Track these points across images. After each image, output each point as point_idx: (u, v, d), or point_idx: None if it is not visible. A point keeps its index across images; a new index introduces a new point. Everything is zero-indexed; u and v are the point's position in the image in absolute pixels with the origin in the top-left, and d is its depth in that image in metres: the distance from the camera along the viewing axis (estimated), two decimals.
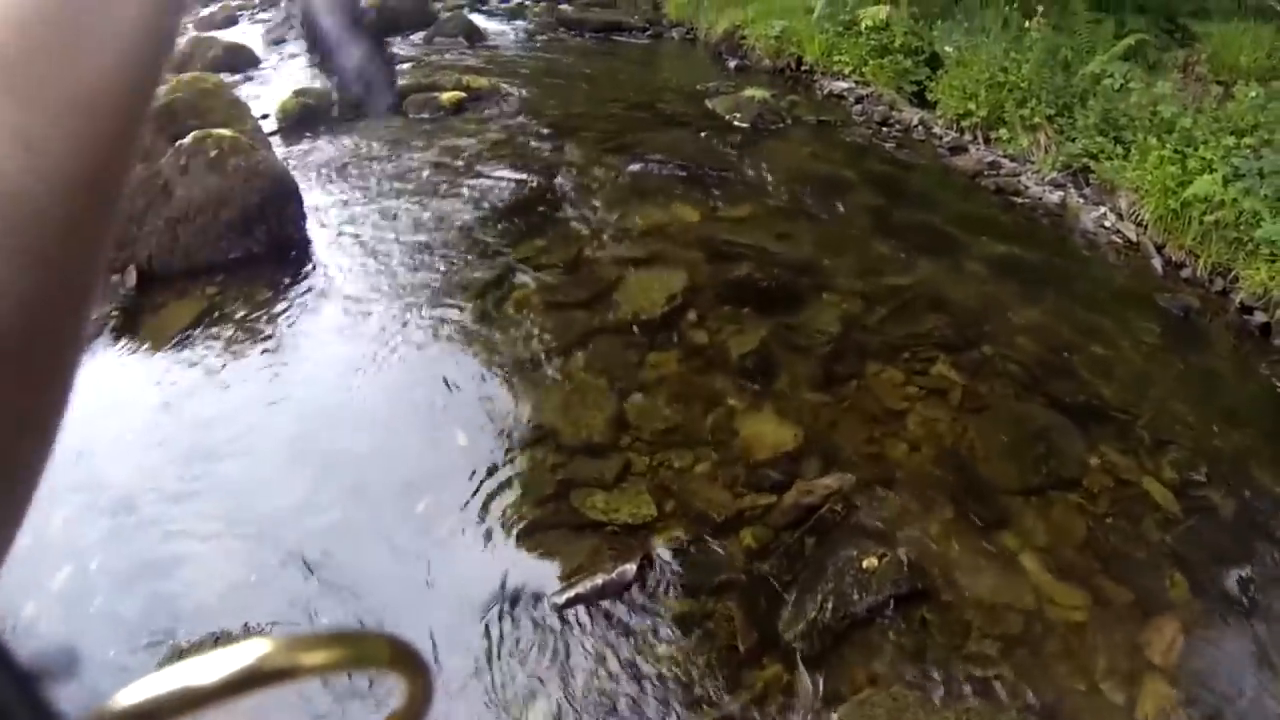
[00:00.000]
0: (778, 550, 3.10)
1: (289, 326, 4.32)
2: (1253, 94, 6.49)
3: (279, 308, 4.46)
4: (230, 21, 10.49)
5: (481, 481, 3.33)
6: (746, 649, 2.81)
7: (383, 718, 0.38)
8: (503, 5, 12.53)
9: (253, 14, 10.95)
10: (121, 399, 3.87)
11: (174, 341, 4.24)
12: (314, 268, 4.83)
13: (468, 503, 3.24)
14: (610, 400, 3.71)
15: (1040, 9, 7.60)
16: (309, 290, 4.61)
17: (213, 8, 11.07)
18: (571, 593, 2.88)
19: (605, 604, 2.89)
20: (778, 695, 2.72)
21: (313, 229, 5.19)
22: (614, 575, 2.90)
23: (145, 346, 4.21)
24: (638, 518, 3.16)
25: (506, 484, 3.33)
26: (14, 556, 0.30)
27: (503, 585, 2.95)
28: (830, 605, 2.95)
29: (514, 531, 3.14)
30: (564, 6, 12.25)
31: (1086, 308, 5.28)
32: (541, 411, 3.66)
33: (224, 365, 4.06)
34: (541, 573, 3.01)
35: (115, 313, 4.42)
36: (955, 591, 3.19)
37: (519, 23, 11.76)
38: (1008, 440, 3.92)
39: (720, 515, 3.21)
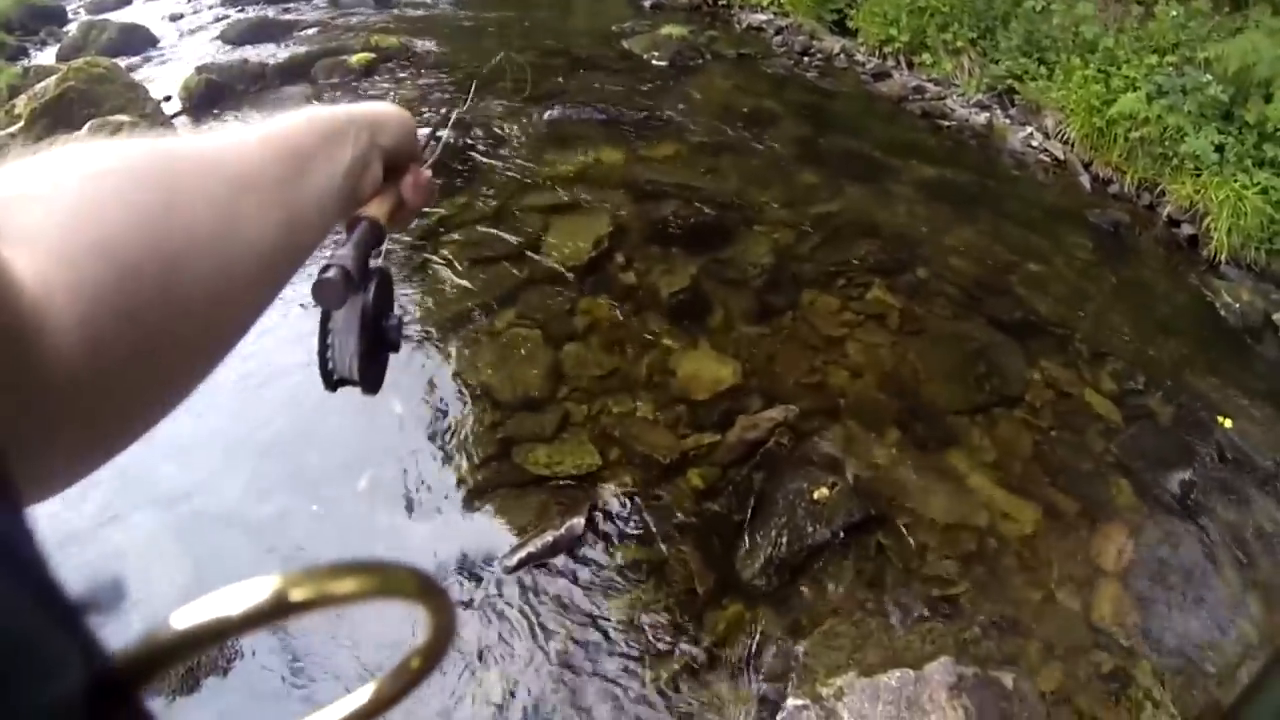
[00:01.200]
0: (727, 488, 3.07)
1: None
2: (1173, 13, 6.58)
3: None
4: (124, 2, 9.94)
5: (421, 450, 3.22)
6: (705, 591, 2.78)
7: (408, 651, 0.40)
8: None
9: None
10: None
11: None
12: None
13: (409, 473, 3.13)
14: (544, 352, 3.62)
15: None
16: None
17: None
18: (522, 553, 2.81)
19: (558, 561, 2.83)
20: (741, 635, 2.70)
21: None
22: (563, 530, 2.84)
23: None
24: (582, 468, 3.10)
25: (446, 449, 3.23)
26: None
27: (453, 553, 2.86)
28: (785, 540, 2.94)
29: (459, 497, 3.04)
30: None
31: (1019, 226, 5.34)
32: (476, 370, 3.55)
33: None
34: (490, 536, 2.93)
35: None
36: (908, 515, 3.21)
37: None
38: (949, 361, 3.94)
39: (665, 458, 3.16)
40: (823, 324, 4.01)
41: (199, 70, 6.61)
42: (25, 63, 7.71)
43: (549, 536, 2.83)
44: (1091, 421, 3.82)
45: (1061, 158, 6.43)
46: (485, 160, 5.31)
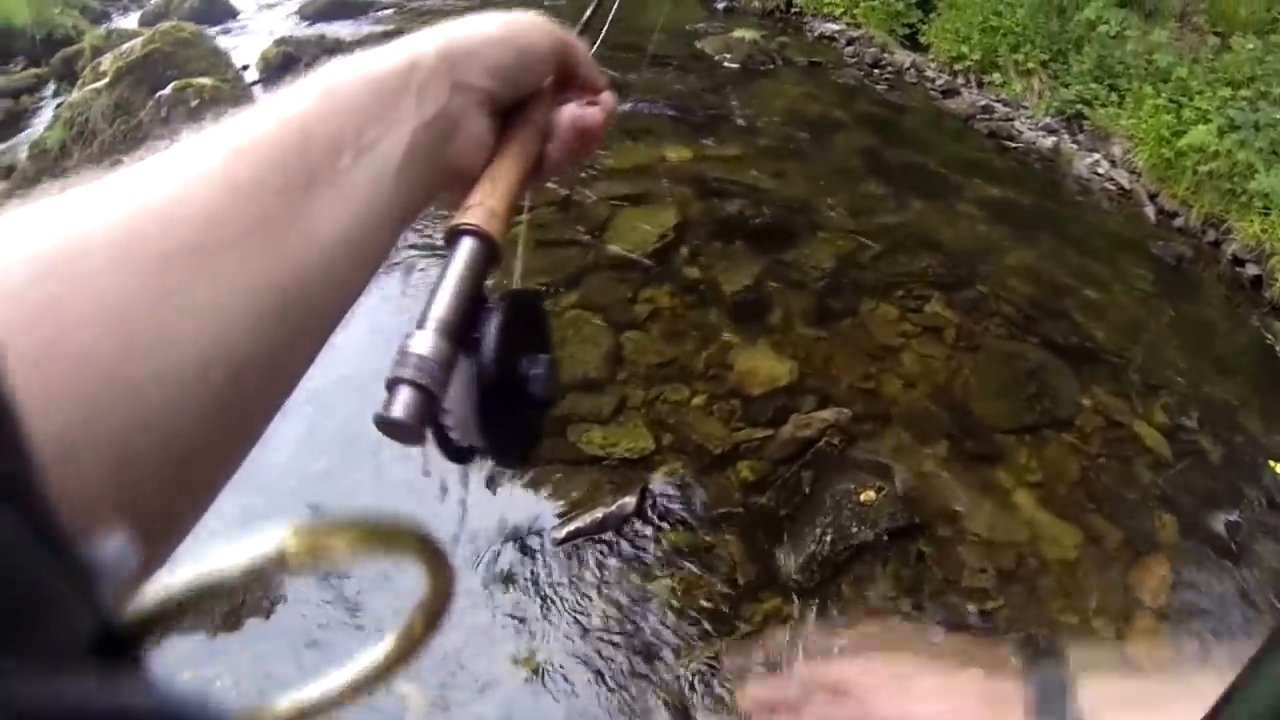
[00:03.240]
0: (775, 483, 3.10)
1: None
2: (1250, 46, 6.44)
3: None
4: None
5: None
6: (746, 582, 2.81)
7: (408, 608, 0.39)
8: None
9: None
10: None
11: None
12: None
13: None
14: (605, 335, 3.66)
15: None
16: None
17: None
18: (571, 527, 2.87)
19: (605, 537, 2.87)
20: (778, 628, 2.73)
21: None
22: (613, 508, 2.89)
23: None
24: (635, 451, 3.14)
25: None
26: None
27: (502, 522, 2.92)
28: (829, 538, 2.95)
29: (513, 470, 3.09)
30: None
31: (1080, 252, 5.28)
32: None
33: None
34: (541, 508, 2.99)
35: None
36: (951, 526, 3.21)
37: None
38: (1002, 379, 3.92)
39: (717, 448, 3.19)
40: (880, 332, 4.01)
41: (277, 43, 6.72)
42: (108, 25, 7.90)
43: (599, 513, 2.88)
44: (1140, 453, 3.77)
45: (1127, 187, 6.33)
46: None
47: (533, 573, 2.78)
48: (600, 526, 2.86)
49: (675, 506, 2.97)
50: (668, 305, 3.89)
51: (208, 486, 0.39)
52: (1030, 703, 0.58)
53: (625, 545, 2.86)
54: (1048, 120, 7.06)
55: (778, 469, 3.15)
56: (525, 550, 2.84)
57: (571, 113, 0.56)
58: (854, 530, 3.00)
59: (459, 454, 0.49)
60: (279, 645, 2.67)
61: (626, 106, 5.96)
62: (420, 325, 0.45)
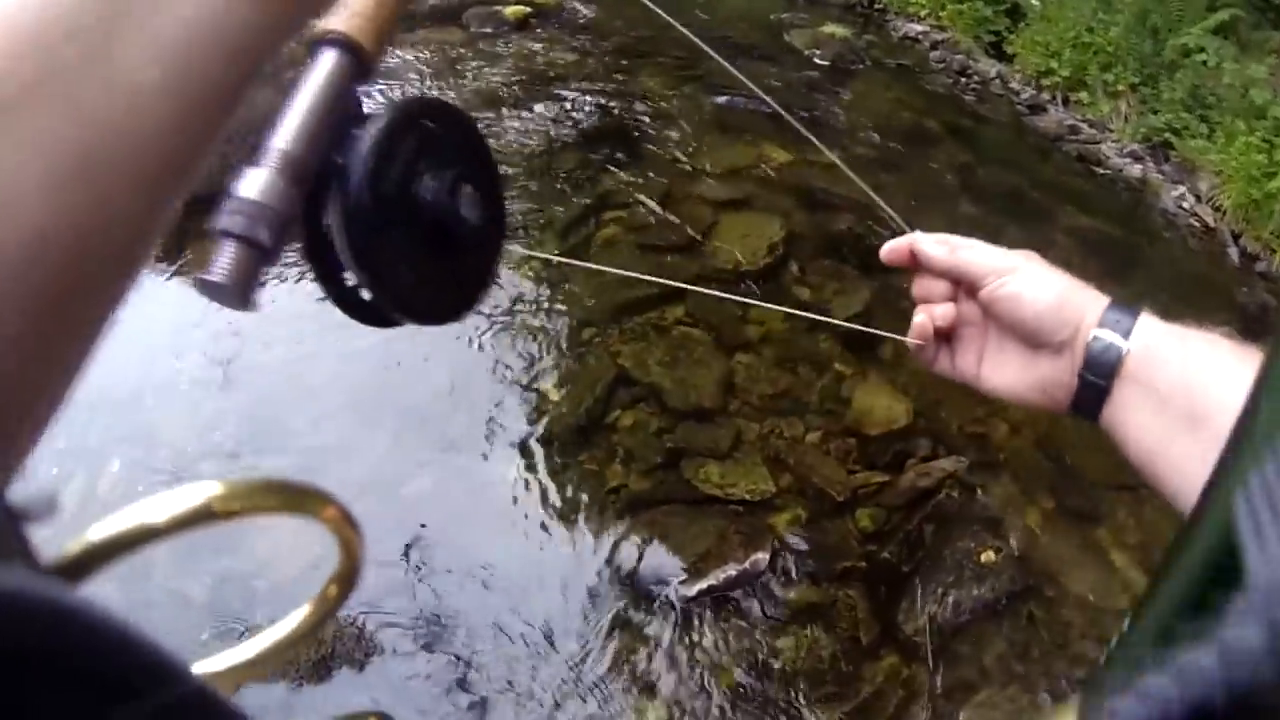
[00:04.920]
0: (895, 535, 2.93)
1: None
2: None
3: None
4: None
5: (578, 444, 3.08)
6: (868, 641, 2.66)
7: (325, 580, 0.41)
8: None
9: None
10: (178, 327, 3.49)
11: None
12: None
13: (567, 473, 3.00)
14: (716, 359, 3.47)
15: None
16: None
17: None
18: (703, 584, 2.67)
19: (734, 594, 2.70)
20: (897, 689, 2.58)
21: None
22: (746, 565, 2.70)
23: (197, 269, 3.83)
24: (755, 493, 2.96)
25: (609, 447, 3.10)
26: None
27: (623, 571, 2.74)
28: (950, 599, 2.80)
29: (623, 506, 2.91)
30: None
31: (1168, 294, 5.07)
32: (645, 367, 3.40)
33: (284, 287, 3.67)
34: (664, 559, 2.79)
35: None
36: (1057, 588, 3.05)
37: None
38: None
39: (837, 493, 3.01)
40: None
41: None
42: None
43: (732, 570, 2.69)
44: None
45: (1211, 225, 6.07)
46: (650, 138, 5.13)
47: (658, 630, 2.61)
48: (733, 584, 2.68)
49: (802, 560, 2.80)
50: (779, 329, 3.69)
51: (25, 391, 0.32)
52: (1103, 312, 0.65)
53: (754, 602, 2.69)
54: (1134, 146, 6.77)
55: (894, 519, 2.98)
56: (649, 605, 2.66)
57: None
58: (974, 592, 2.84)
59: (375, 316, 0.41)
60: (194, 610, 2.56)
61: (722, 100, 5.71)
62: (254, 162, 0.37)
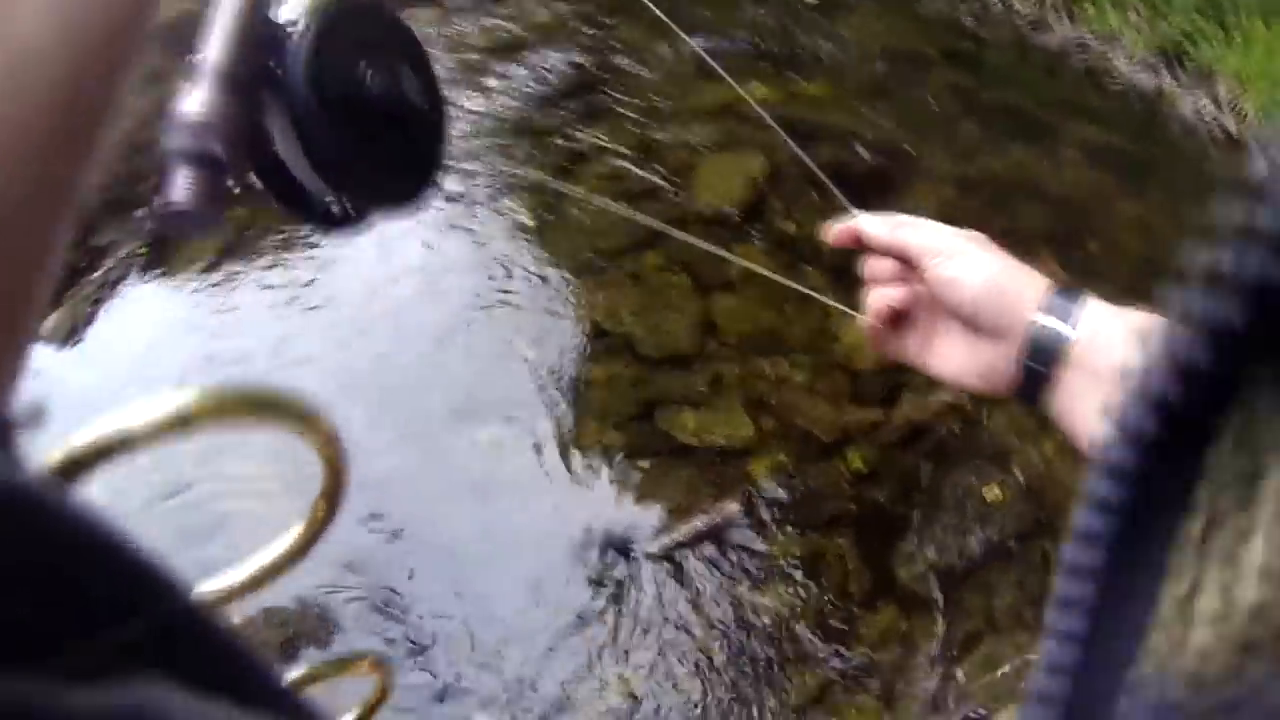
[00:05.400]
0: (890, 474, 2.65)
1: (327, 244, 3.78)
2: None
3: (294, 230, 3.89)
4: None
5: (553, 403, 2.84)
6: (860, 592, 2.39)
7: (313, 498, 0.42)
8: None
9: None
10: (152, 338, 3.38)
11: (207, 270, 3.68)
12: None
13: (538, 429, 2.76)
14: (693, 301, 3.19)
15: None
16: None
17: None
18: (666, 539, 2.42)
19: (705, 548, 2.44)
20: (895, 646, 2.32)
21: None
22: (715, 516, 2.45)
23: (177, 280, 3.67)
24: (734, 440, 2.69)
25: (580, 404, 2.84)
26: None
27: (586, 529, 2.50)
28: (951, 543, 2.53)
29: (594, 462, 2.66)
30: None
31: (1190, 204, 4.72)
32: (617, 317, 3.13)
33: (261, 287, 3.51)
34: (630, 515, 2.55)
35: (143, 249, 3.85)
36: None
37: None
38: None
39: (825, 434, 2.74)
40: None
41: None
42: None
43: (698, 522, 2.44)
44: None
45: (1235, 133, 5.66)
46: (625, 87, 4.86)
47: (625, 591, 2.37)
48: (701, 537, 2.43)
49: (782, 508, 2.53)
50: (761, 265, 3.41)
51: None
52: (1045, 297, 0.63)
53: (728, 555, 2.44)
54: (1146, 57, 6.35)
55: (891, 457, 2.70)
56: (615, 565, 2.42)
57: None
58: (979, 533, 2.56)
59: (335, 220, 0.40)
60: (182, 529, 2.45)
61: (699, 41, 5.42)
62: (189, 80, 0.38)
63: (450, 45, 5.80)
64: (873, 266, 0.75)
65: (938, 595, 2.43)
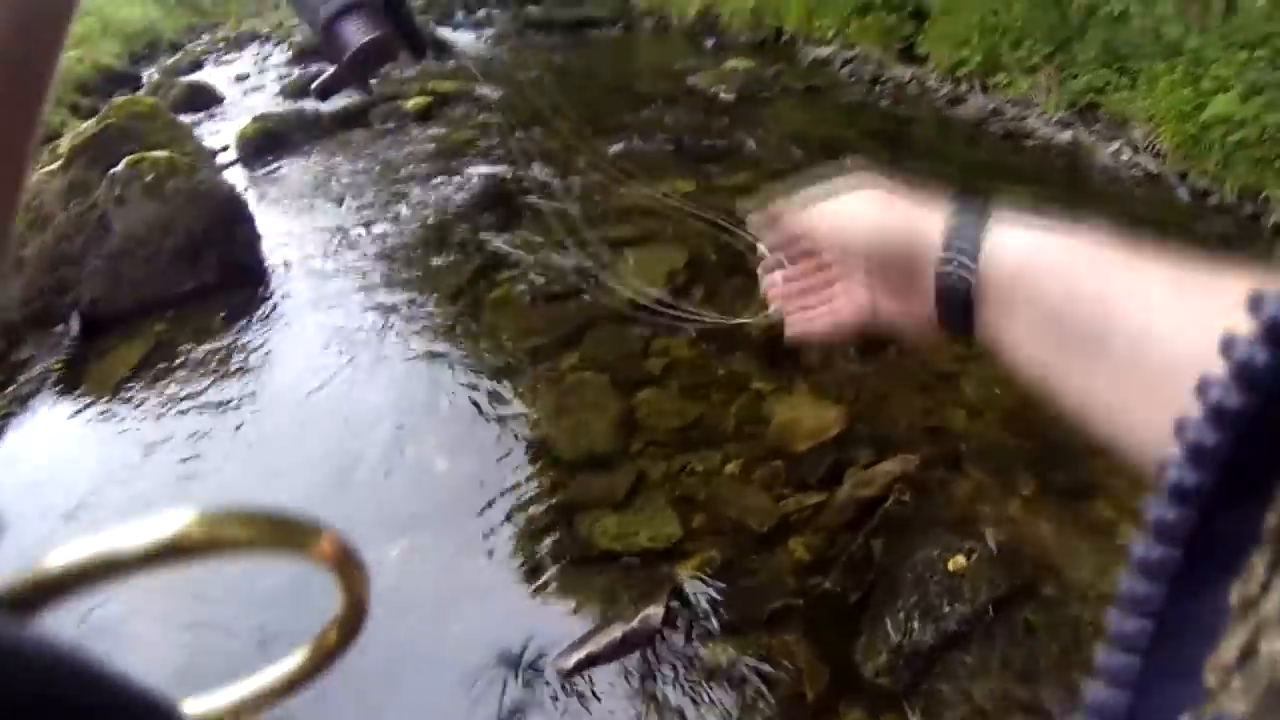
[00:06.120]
0: (839, 560, 2.35)
1: (245, 357, 3.59)
2: (1259, 3, 5.73)
3: (234, 338, 3.73)
4: (195, 67, 9.85)
5: (466, 515, 2.56)
6: (816, 695, 2.06)
7: (322, 625, 0.38)
8: (468, 17, 12.21)
9: (218, 58, 10.29)
10: (65, 456, 3.18)
11: (120, 387, 3.52)
12: (273, 291, 4.07)
13: (451, 543, 2.48)
14: (613, 400, 2.96)
15: None
16: (268, 315, 3.86)
17: (177, 55, 10.51)
18: (582, 653, 2.09)
19: (629, 661, 2.12)
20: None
21: (271, 252, 4.43)
22: (636, 624, 2.13)
23: (90, 397, 3.50)
24: (660, 540, 2.40)
25: (495, 515, 2.55)
26: None
27: (498, 648, 2.18)
28: (916, 623, 2.21)
29: (508, 574, 2.36)
30: (530, 9, 11.89)
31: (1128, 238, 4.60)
32: (533, 422, 2.89)
33: (174, 406, 3.34)
34: (543, 628, 2.23)
35: (59, 365, 3.71)
36: (1057, 582, 2.46)
37: (485, 30, 11.35)
38: None
39: (762, 524, 2.45)
40: (932, 359, 3.30)
41: (255, 120, 6.34)
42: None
43: (617, 632, 2.12)
44: None
45: (1155, 171, 5.61)
46: (548, 194, 4.77)
47: (535, 713, 2.03)
48: (620, 648, 2.10)
49: (716, 607, 2.21)
50: (685, 357, 3.20)
51: None
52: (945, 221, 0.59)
53: (655, 667, 2.11)
54: (1061, 114, 6.37)
55: (839, 541, 2.41)
56: (527, 685, 2.09)
57: None
58: (947, 609, 2.25)
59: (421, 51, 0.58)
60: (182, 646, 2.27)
61: (620, 146, 5.37)
62: None
63: (379, 160, 5.81)
64: (769, 265, 0.74)
65: (909, 686, 2.11)
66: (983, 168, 5.58)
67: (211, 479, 2.90)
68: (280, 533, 0.33)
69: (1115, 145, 5.93)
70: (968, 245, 0.58)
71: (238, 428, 3.13)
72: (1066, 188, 5.44)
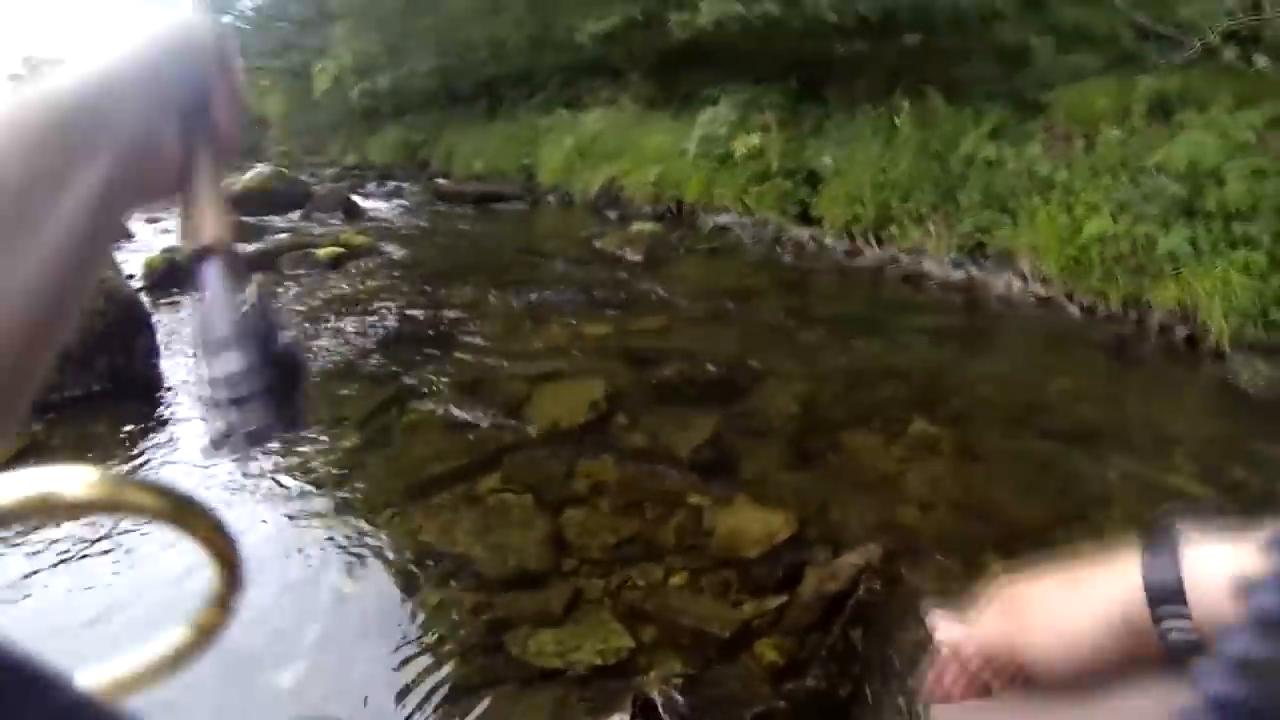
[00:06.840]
0: (817, 657, 2.03)
1: (126, 472, 3.15)
2: (1114, 132, 6.15)
3: (117, 450, 3.27)
4: None
5: (373, 639, 2.15)
6: None
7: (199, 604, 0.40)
8: (380, 188, 12.78)
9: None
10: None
11: None
12: (166, 407, 3.65)
13: (354, 669, 2.06)
14: (539, 518, 2.64)
15: (906, 106, 7.31)
16: (156, 431, 3.40)
17: None
18: None
19: None
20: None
21: (168, 366, 4.06)
22: None
23: None
24: (609, 654, 2.04)
25: (410, 639, 2.14)
26: None
27: None
28: (917, 707, 1.90)
29: (427, 703, 1.95)
30: (441, 182, 12.42)
31: (1030, 355, 4.74)
32: (451, 539, 2.53)
33: (50, 545, 2.86)
34: None
35: None
36: None
37: (397, 200, 11.69)
38: (1019, 477, 3.07)
39: (723, 630, 2.13)
40: (872, 461, 3.12)
41: (163, 251, 6.15)
42: None
43: None
44: (1187, 503, 2.92)
45: (1045, 295, 5.80)
46: (458, 336, 4.61)
47: None
48: None
49: (691, 716, 1.85)
50: (613, 477, 2.93)
51: None
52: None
53: None
54: (953, 255, 6.59)
55: (810, 639, 2.10)
56: None
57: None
58: None
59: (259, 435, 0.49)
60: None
61: (530, 296, 5.28)
62: (222, 349, 0.46)
63: (289, 299, 5.57)
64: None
65: None
66: (889, 305, 5.67)
67: (72, 645, 2.41)
68: (167, 508, 0.34)
69: (1005, 276, 6.14)
70: (1171, 586, 0.63)
71: (104, 566, 2.63)
72: (967, 317, 5.55)
